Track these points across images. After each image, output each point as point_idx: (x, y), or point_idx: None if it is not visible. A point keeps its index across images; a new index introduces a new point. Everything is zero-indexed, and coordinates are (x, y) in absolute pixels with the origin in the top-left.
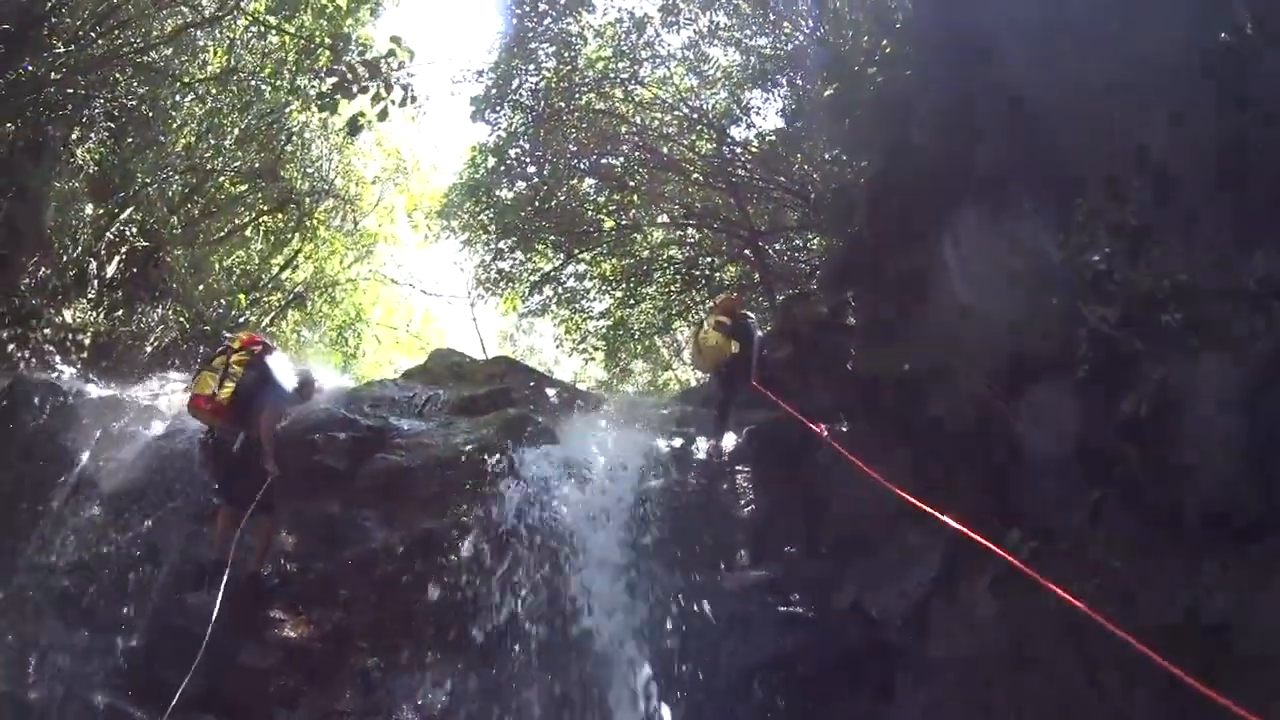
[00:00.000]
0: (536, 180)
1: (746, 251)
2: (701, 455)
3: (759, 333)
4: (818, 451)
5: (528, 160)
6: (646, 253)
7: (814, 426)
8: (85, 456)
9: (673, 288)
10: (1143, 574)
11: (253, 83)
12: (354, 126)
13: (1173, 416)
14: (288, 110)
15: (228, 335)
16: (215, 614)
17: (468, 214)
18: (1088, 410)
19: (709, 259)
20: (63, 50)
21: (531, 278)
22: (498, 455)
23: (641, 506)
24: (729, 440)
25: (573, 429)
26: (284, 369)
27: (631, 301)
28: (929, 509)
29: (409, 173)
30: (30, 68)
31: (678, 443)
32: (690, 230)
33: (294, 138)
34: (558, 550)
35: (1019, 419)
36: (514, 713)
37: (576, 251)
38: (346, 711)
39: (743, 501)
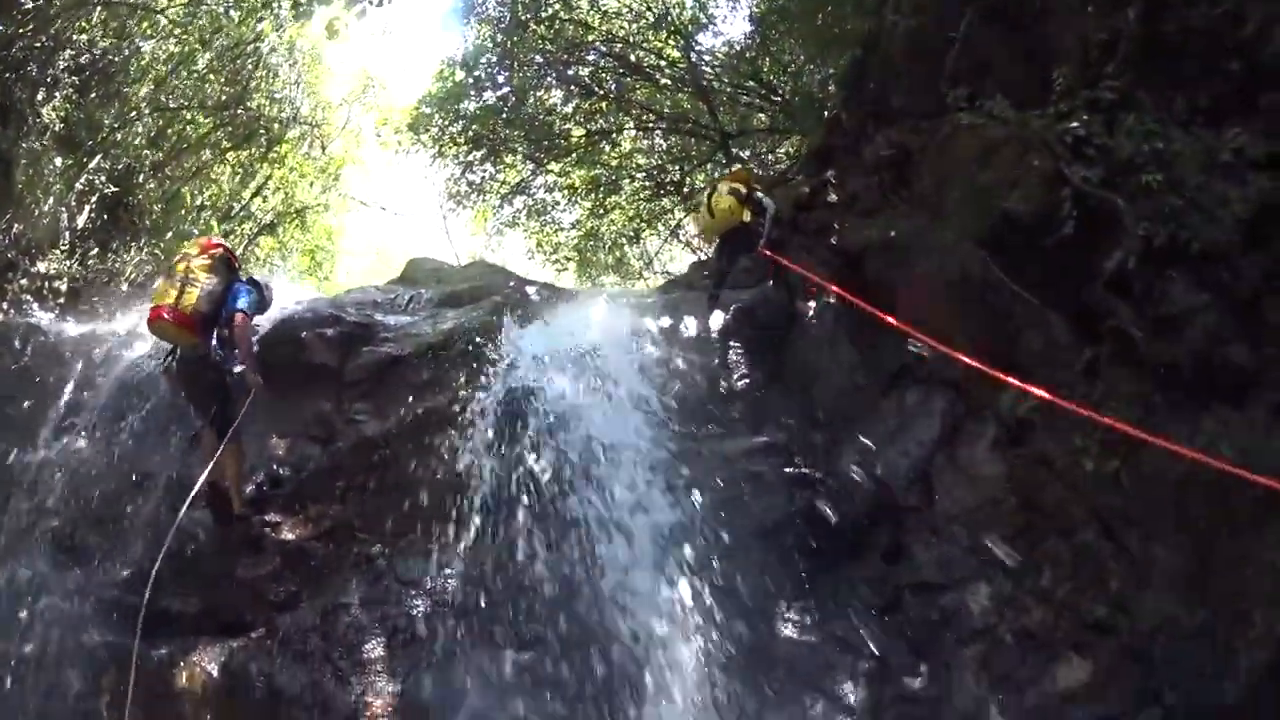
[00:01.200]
0: (505, 90)
1: (718, 155)
2: (691, 332)
3: (771, 205)
4: (808, 324)
5: (496, 71)
6: (616, 162)
7: (825, 285)
8: (69, 390)
9: (642, 195)
10: (1147, 426)
11: (221, 7)
12: (331, 30)
13: (1160, 270)
14: (255, 35)
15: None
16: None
17: (437, 127)
18: (1074, 268)
19: (678, 165)
20: (30, 5)
21: (501, 190)
22: (490, 333)
23: (638, 375)
24: (718, 318)
25: (561, 314)
26: (238, 272)
27: (602, 211)
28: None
29: (377, 89)
30: (2, 27)
31: (666, 321)
32: (659, 137)
33: (260, 65)
34: (559, 421)
35: (1008, 279)
36: (527, 587)
37: (546, 162)
38: (352, 603)
39: (736, 375)
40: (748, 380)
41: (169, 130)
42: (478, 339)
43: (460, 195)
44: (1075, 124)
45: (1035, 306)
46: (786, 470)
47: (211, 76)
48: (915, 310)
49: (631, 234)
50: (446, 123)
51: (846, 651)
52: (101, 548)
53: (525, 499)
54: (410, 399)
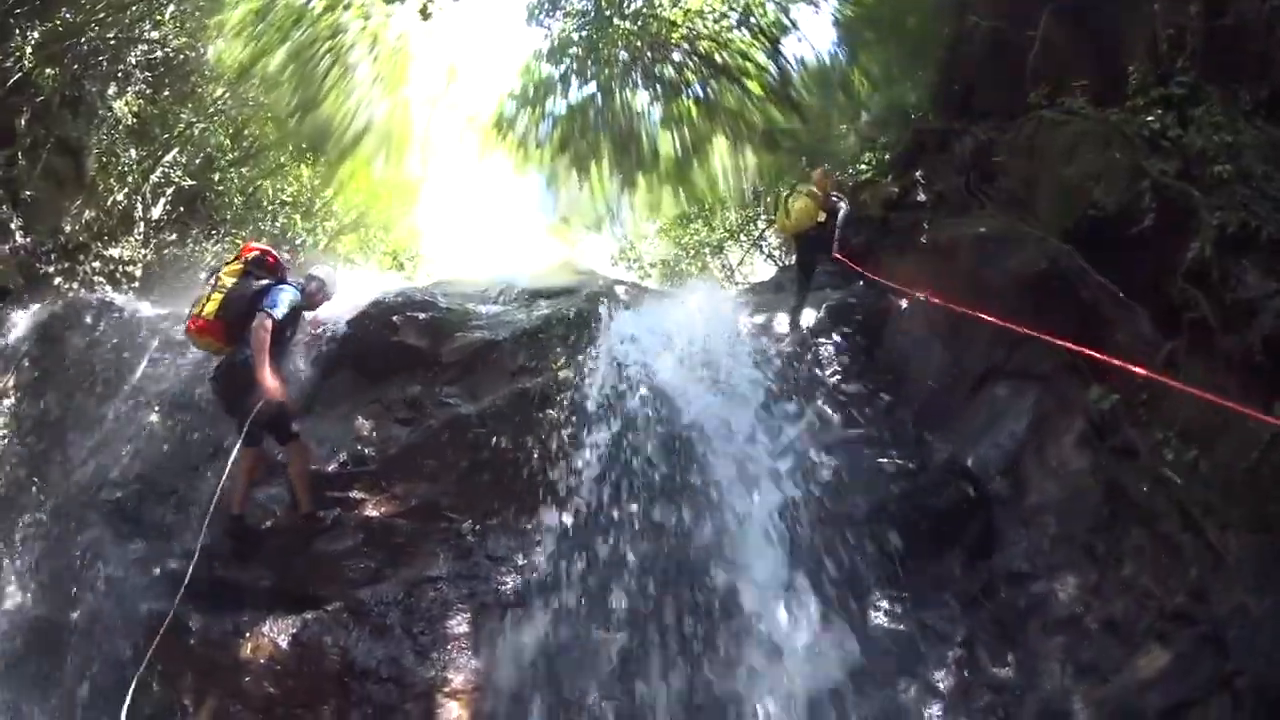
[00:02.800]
0: (592, 87)
1: (805, 168)
2: (784, 328)
3: (845, 208)
4: (896, 322)
5: (581, 68)
6: (705, 183)
7: (904, 291)
8: (141, 367)
9: (729, 212)
10: (1221, 417)
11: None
12: (424, 14)
13: (1233, 259)
14: (334, 30)
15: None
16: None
17: (523, 126)
18: (1156, 259)
19: (767, 180)
20: None
21: (592, 208)
22: (588, 319)
23: (736, 363)
24: (809, 315)
25: (656, 306)
26: (281, 273)
27: (688, 223)
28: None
29: (462, 85)
30: (69, 15)
31: (759, 318)
32: (750, 153)
33: (338, 62)
34: (659, 403)
35: (1095, 273)
36: (624, 566)
37: (634, 177)
38: (440, 577)
39: (829, 370)
40: (840, 375)
41: (245, 130)
42: (575, 324)
43: (550, 209)
44: (1150, 118)
45: (1121, 300)
46: (881, 461)
47: (283, 81)
48: (1006, 305)
49: (715, 244)
50: (533, 122)
51: (937, 639)
52: (165, 520)
53: (625, 478)
54: (505, 381)
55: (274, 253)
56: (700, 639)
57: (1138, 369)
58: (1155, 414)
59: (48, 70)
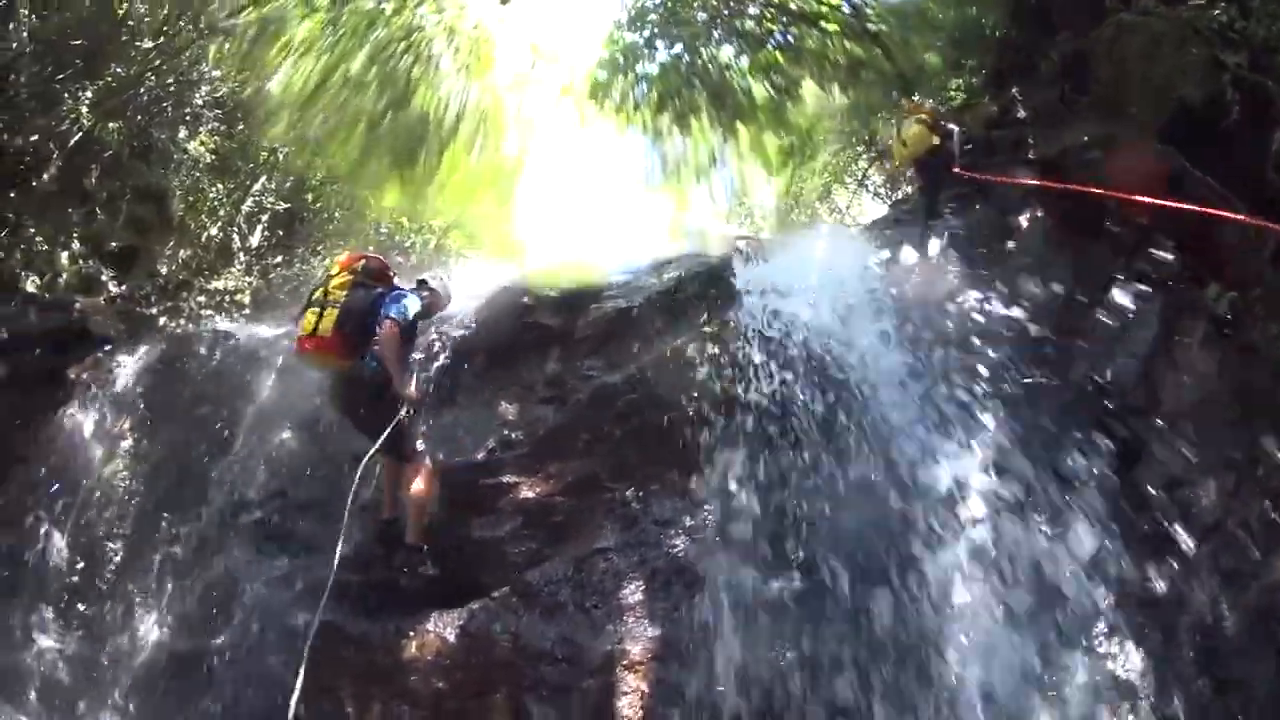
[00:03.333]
0: (678, 48)
1: (899, 99)
2: (911, 260)
3: (957, 128)
4: (1020, 240)
5: (663, 31)
6: (805, 123)
7: (1029, 183)
8: (268, 386)
9: (831, 152)
10: None
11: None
12: None
13: None
14: (410, 28)
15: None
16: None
17: (618, 92)
18: (1248, 152)
19: (862, 117)
20: (150, 45)
21: (696, 162)
22: (722, 273)
23: (873, 300)
24: (934, 245)
25: (784, 254)
26: (391, 280)
27: (798, 175)
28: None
29: (549, 64)
30: (120, 70)
31: (885, 253)
32: (839, 91)
33: (420, 59)
34: (806, 348)
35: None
36: (794, 517)
37: (733, 126)
38: (609, 547)
39: (959, 297)
40: (972, 301)
41: (330, 144)
42: (710, 280)
43: (656, 171)
44: (1216, 11)
45: (1223, 196)
46: (1026, 382)
47: (368, 82)
48: (1115, 211)
49: (822, 189)
50: (628, 87)
51: (1090, 556)
52: (309, 533)
53: (783, 427)
54: (646, 347)
55: (381, 258)
56: (883, 580)
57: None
58: (1272, 311)
59: (110, 125)
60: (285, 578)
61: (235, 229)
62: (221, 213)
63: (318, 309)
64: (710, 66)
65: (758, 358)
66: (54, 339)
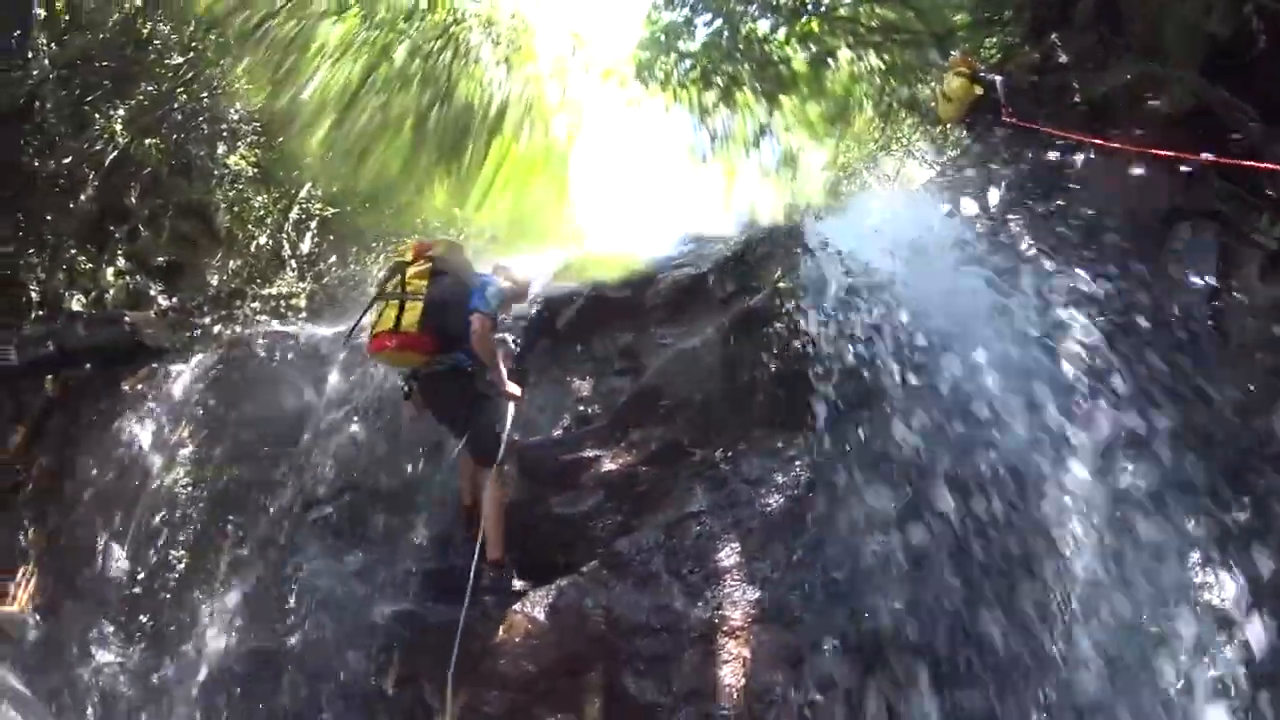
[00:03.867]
0: (718, 23)
1: (935, 59)
2: (974, 211)
3: (998, 76)
4: (1072, 182)
5: (705, 5)
6: (843, 89)
7: (1074, 136)
8: (333, 381)
9: (876, 119)
10: None
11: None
12: None
13: None
14: (455, 17)
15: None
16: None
17: (661, 71)
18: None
19: (901, 80)
20: (182, 61)
21: (744, 133)
22: (791, 232)
23: (943, 250)
24: (994, 194)
25: (849, 210)
26: (476, 267)
27: (844, 145)
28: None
29: (587, 48)
30: (152, 88)
31: (946, 206)
32: (874, 55)
33: (459, 52)
34: (880, 296)
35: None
36: (894, 461)
37: (777, 97)
38: (701, 510)
39: (1023, 245)
40: (1031, 244)
41: (374, 146)
42: (778, 239)
43: (705, 147)
44: None
45: (1266, 128)
46: (1099, 320)
47: (411, 76)
48: (1165, 146)
49: (869, 158)
50: (671, 65)
51: (1184, 490)
52: (384, 525)
53: (873, 375)
54: (719, 310)
55: (459, 243)
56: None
57: None
58: None
59: (146, 141)
60: (359, 571)
61: (284, 236)
62: (269, 222)
63: (396, 302)
64: (750, 39)
65: (837, 308)
66: (105, 353)
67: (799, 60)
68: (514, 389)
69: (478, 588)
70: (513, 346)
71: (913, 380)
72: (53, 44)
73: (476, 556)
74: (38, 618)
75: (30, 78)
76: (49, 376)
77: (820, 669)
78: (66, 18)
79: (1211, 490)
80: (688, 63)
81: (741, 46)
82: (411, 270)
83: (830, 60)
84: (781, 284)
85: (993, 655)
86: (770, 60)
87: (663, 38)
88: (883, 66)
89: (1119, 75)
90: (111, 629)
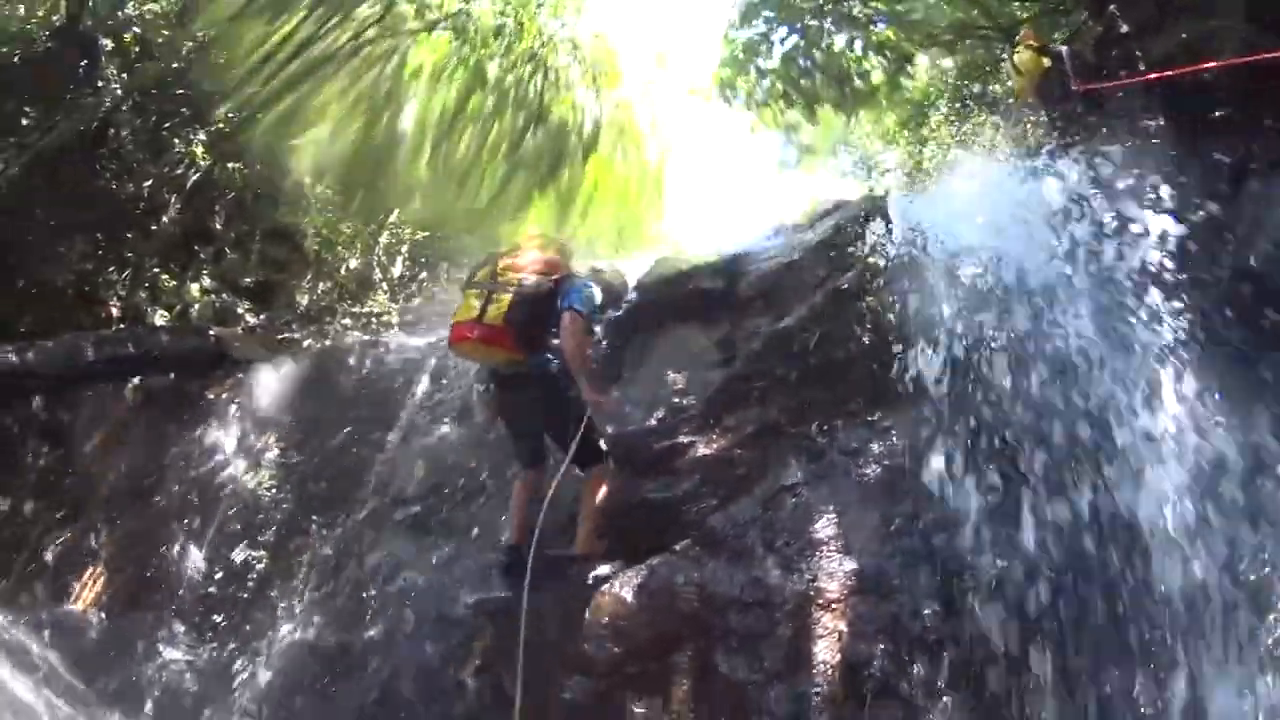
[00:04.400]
0: (796, 40)
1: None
2: (1054, 185)
3: (1064, 47)
4: (1145, 147)
5: (776, 24)
6: (919, 95)
7: (1146, 77)
8: (423, 385)
9: (952, 120)
10: None
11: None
12: None
13: None
14: (542, 39)
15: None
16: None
17: (744, 90)
18: None
19: (976, 79)
20: (259, 89)
21: (826, 145)
22: (879, 211)
23: (1034, 223)
24: (1067, 166)
25: (932, 195)
26: (574, 266)
27: (916, 145)
28: None
29: (671, 68)
30: (233, 115)
31: (1028, 181)
32: (946, 56)
33: (547, 74)
34: (981, 266)
35: None
36: (1006, 422)
37: (855, 110)
38: (797, 483)
39: (1102, 214)
40: (1114, 211)
41: (470, 174)
42: (867, 219)
43: (790, 159)
44: None
45: None
46: (1180, 278)
47: (507, 92)
48: (1233, 100)
49: (943, 155)
50: (751, 83)
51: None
52: (473, 519)
53: (967, 346)
54: (811, 293)
55: (565, 240)
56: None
57: None
58: None
59: (230, 165)
60: (442, 565)
61: (375, 259)
62: (358, 245)
63: (483, 292)
64: (829, 53)
65: (929, 282)
66: (188, 361)
67: (877, 71)
68: (597, 396)
69: (555, 572)
70: (603, 347)
71: (1007, 349)
72: (124, 73)
73: (535, 542)
74: (103, 616)
75: (102, 105)
76: (130, 383)
77: (919, 639)
78: (137, 48)
79: None
80: (767, 80)
81: (819, 61)
82: (505, 261)
83: (908, 66)
84: (870, 259)
85: (1093, 615)
86: (848, 74)
87: (741, 55)
88: (955, 67)
89: (1174, 35)
90: (182, 628)
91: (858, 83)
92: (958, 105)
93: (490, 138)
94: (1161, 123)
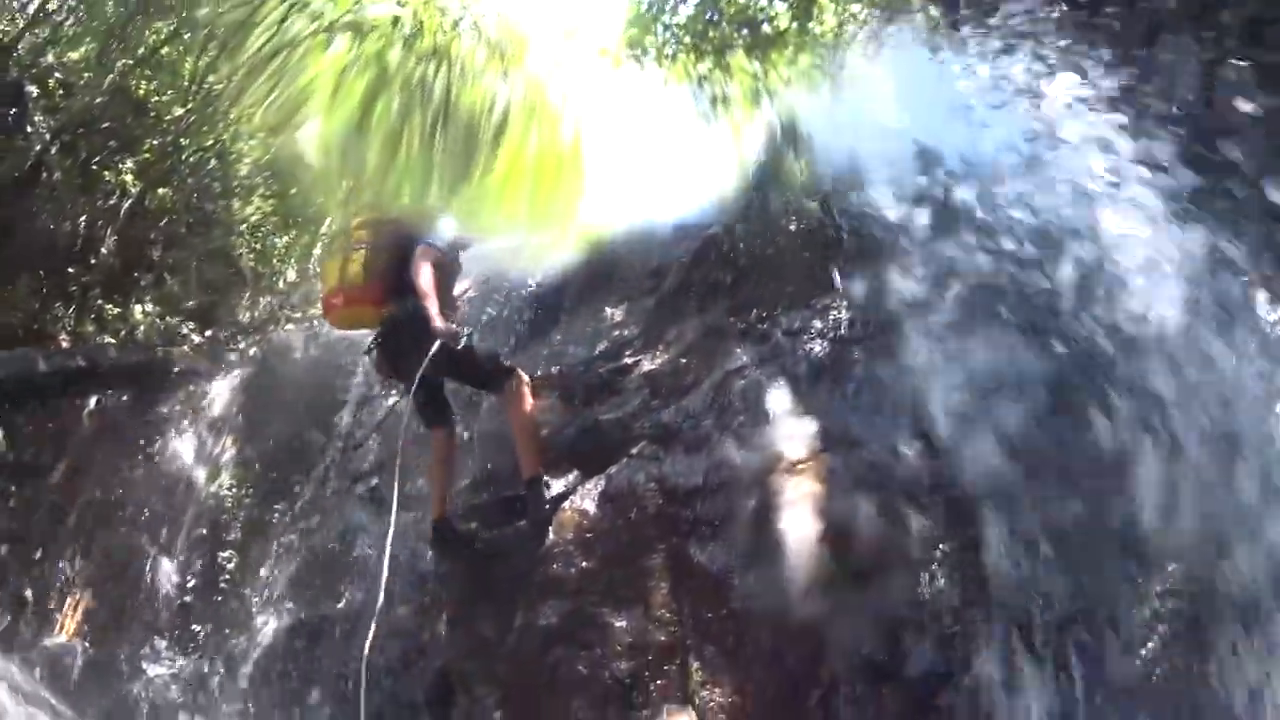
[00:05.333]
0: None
1: None
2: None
3: None
4: None
5: None
6: (830, 35)
7: None
8: (365, 363)
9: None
10: None
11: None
12: None
13: None
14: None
15: None
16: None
17: (652, 47)
18: None
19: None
20: (181, 113)
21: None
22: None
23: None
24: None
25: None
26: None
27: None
28: None
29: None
30: (157, 141)
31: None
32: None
33: (451, 69)
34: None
35: None
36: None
37: (767, 57)
38: (744, 365)
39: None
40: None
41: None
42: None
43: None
44: None
45: None
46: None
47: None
48: None
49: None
50: (660, 41)
51: None
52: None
53: (888, 225)
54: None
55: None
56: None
57: None
58: None
59: (160, 191)
60: (407, 529)
61: (311, 269)
62: (293, 258)
63: (339, 258)
64: (733, 3)
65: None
66: (138, 375)
67: (783, 15)
68: (442, 323)
69: (512, 510)
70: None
71: (929, 219)
72: (50, 116)
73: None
74: (87, 644)
75: (33, 149)
76: (87, 405)
77: (904, 482)
78: (60, 92)
79: None
80: (675, 35)
81: (726, 11)
82: (355, 223)
83: (813, 9)
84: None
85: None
86: (755, 21)
87: (645, 8)
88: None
89: None
90: (164, 643)
91: (765, 29)
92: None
93: (402, 139)
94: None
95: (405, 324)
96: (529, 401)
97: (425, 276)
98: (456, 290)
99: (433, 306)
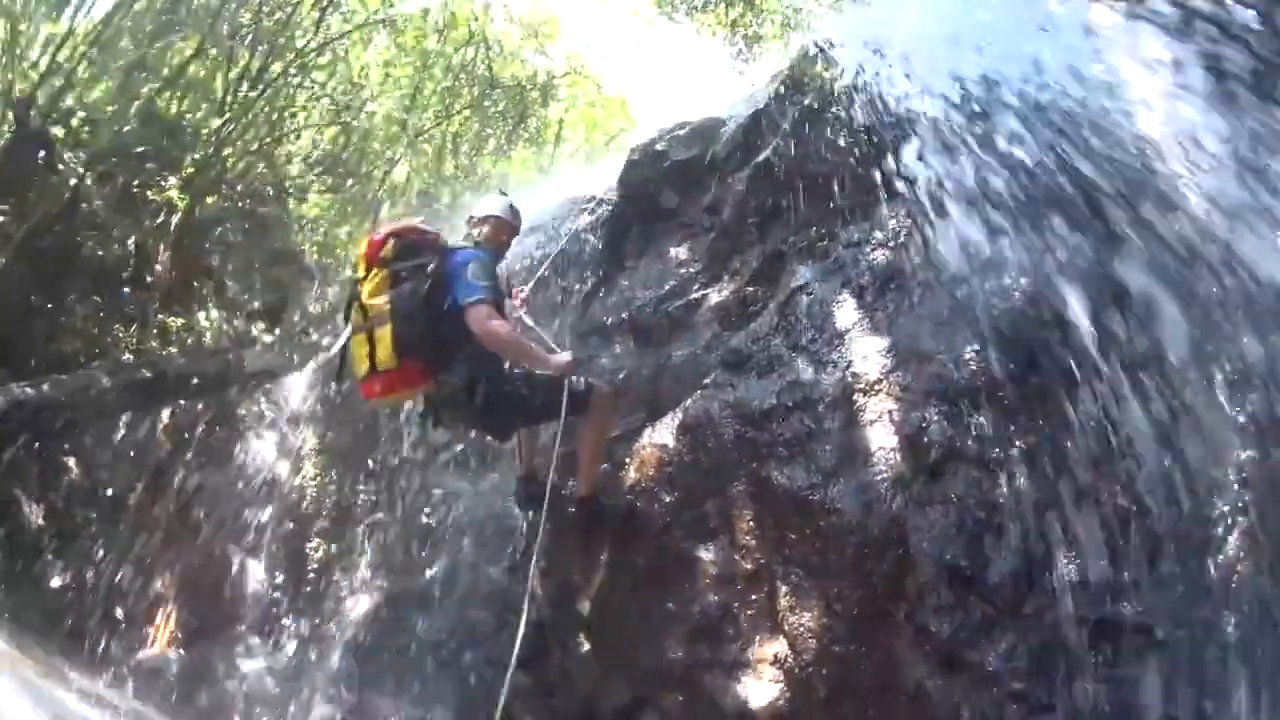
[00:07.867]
0: None
1: None
2: None
3: None
4: None
5: None
6: None
7: None
8: None
9: None
10: None
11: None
12: None
13: None
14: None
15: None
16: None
17: (684, 4)
18: None
19: None
20: (220, 123)
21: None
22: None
23: None
24: None
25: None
26: (438, 242)
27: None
28: None
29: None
30: (198, 155)
31: None
32: None
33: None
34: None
35: None
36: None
37: None
38: (807, 282)
39: None
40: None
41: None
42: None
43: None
44: None
45: None
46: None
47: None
48: None
49: None
50: None
51: None
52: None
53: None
54: (779, 124)
55: (414, 225)
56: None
57: None
58: None
59: (209, 200)
60: (495, 489)
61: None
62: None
63: (363, 336)
64: None
65: (891, 83)
66: (209, 380)
67: None
68: (563, 359)
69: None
70: (599, 249)
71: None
72: (79, 151)
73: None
74: (181, 652)
75: (67, 185)
76: (159, 417)
77: (973, 389)
78: (86, 130)
79: None
80: None
81: None
82: (366, 289)
83: None
84: (829, 75)
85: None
86: None
87: None
88: None
89: None
90: (256, 640)
91: None
92: None
93: (452, 113)
94: None
95: (467, 390)
96: (608, 420)
97: (501, 339)
98: (517, 302)
99: (536, 357)
